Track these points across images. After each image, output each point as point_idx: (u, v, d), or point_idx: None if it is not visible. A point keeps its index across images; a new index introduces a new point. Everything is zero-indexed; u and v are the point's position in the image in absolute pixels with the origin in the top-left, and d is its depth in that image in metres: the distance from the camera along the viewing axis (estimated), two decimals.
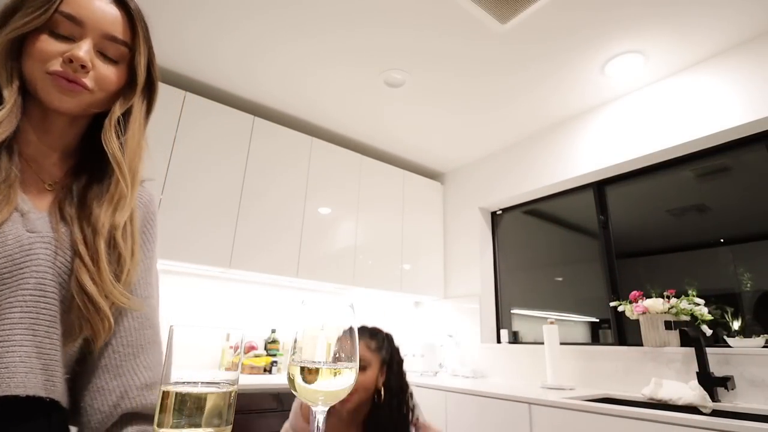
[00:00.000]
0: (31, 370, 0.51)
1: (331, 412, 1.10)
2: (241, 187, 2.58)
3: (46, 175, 0.62)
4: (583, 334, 2.70)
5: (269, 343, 2.69)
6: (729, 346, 1.88)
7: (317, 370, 0.55)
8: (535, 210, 3.17)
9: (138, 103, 0.65)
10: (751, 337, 1.84)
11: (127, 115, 0.63)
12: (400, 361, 1.20)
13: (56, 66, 0.55)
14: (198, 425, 0.47)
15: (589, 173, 2.66)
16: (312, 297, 3.05)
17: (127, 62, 0.63)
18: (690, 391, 1.76)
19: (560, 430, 1.75)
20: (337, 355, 0.56)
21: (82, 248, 0.57)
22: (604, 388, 2.24)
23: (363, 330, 1.17)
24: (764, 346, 1.80)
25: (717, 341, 2.00)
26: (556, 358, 2.34)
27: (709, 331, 1.93)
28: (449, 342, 3.16)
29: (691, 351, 1.90)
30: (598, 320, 2.62)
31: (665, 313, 2.05)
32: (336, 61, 2.37)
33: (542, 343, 2.44)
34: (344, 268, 2.92)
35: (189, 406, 0.47)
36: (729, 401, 1.78)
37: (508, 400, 1.97)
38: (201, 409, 0.48)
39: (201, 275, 2.63)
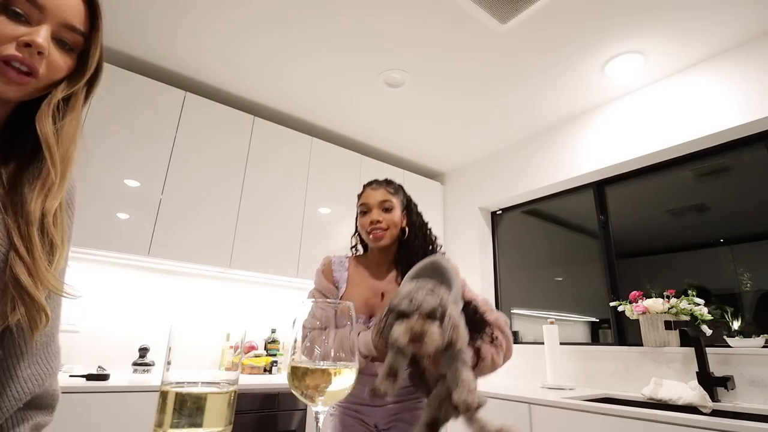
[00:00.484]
0: None
1: (368, 261, 1.26)
2: (241, 186, 2.58)
3: None
4: (583, 334, 2.70)
5: (269, 343, 2.69)
6: (729, 346, 1.88)
7: (317, 370, 0.55)
8: (535, 210, 3.17)
9: (80, 91, 0.64)
10: (750, 337, 1.84)
11: (65, 100, 0.62)
12: (415, 204, 1.32)
13: (10, 50, 0.53)
14: (198, 425, 0.47)
15: (589, 173, 2.66)
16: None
17: (78, 52, 0.62)
18: (690, 391, 1.76)
19: (560, 430, 1.75)
20: (338, 355, 0.56)
21: (16, 239, 0.56)
22: (604, 388, 2.24)
23: (378, 181, 1.29)
24: (764, 346, 1.80)
25: (717, 341, 2.00)
26: (556, 358, 2.34)
27: (709, 331, 1.93)
28: None
29: (691, 351, 1.90)
30: (598, 320, 2.62)
31: (665, 313, 2.05)
32: (336, 62, 2.36)
33: (542, 343, 2.44)
34: None
35: (189, 406, 0.47)
36: (729, 401, 1.78)
37: (508, 399, 1.97)
38: (201, 409, 0.48)
39: (201, 275, 2.63)
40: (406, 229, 1.25)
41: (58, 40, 0.58)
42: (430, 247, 1.25)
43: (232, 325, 0.52)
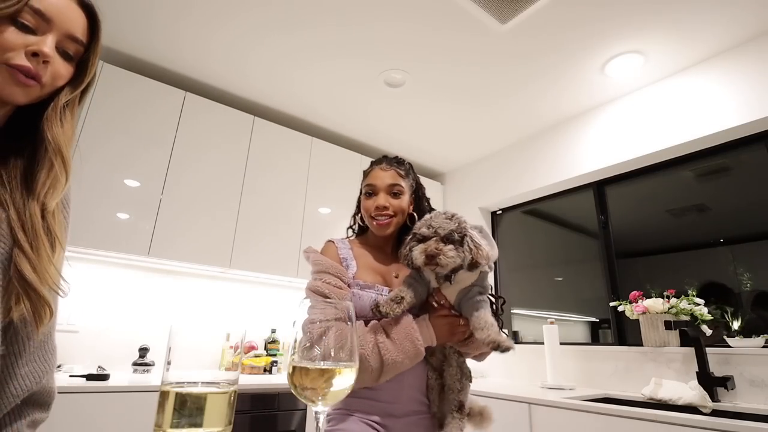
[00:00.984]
0: None
1: (369, 243, 1.16)
2: (241, 186, 2.58)
3: None
4: (583, 334, 2.70)
5: (269, 343, 2.69)
6: (729, 346, 1.88)
7: (317, 370, 0.55)
8: (535, 210, 3.17)
9: (77, 96, 0.69)
10: (750, 336, 1.84)
11: (69, 105, 0.67)
12: (423, 187, 1.24)
13: (18, 59, 0.57)
14: (198, 425, 0.47)
15: (589, 173, 2.66)
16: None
17: (77, 60, 0.66)
18: (690, 391, 1.76)
19: (560, 430, 1.75)
20: (338, 355, 0.56)
21: (20, 235, 0.58)
22: (604, 388, 2.24)
23: (388, 159, 1.17)
24: (764, 346, 1.80)
25: (717, 341, 2.00)
26: (556, 358, 2.34)
27: (709, 331, 1.93)
28: None
29: (691, 351, 1.90)
30: (598, 320, 2.62)
31: (665, 313, 2.05)
32: (336, 62, 2.36)
33: (542, 343, 2.44)
34: None
35: (189, 406, 0.47)
36: (729, 401, 1.78)
37: (508, 400, 1.97)
38: (201, 409, 0.48)
39: (201, 275, 2.63)
40: (415, 215, 1.14)
41: (60, 50, 0.62)
42: None
43: (232, 325, 0.52)
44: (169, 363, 0.49)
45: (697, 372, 1.83)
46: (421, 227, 0.92)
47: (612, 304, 2.34)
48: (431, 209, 1.18)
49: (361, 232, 1.23)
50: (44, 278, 0.58)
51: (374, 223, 1.11)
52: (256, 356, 2.53)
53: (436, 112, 2.82)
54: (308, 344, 0.56)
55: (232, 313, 2.72)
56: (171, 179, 2.33)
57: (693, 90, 2.24)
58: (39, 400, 0.64)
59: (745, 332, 1.89)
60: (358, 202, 1.20)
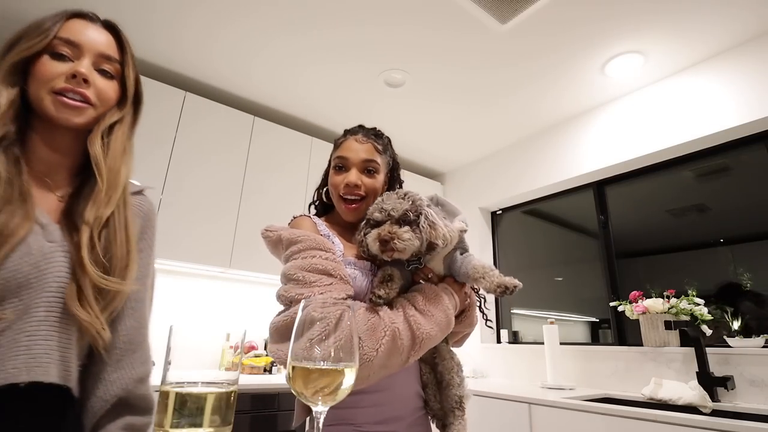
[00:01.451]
0: (53, 361, 0.59)
1: (338, 223, 1.01)
2: (241, 186, 2.58)
3: (57, 188, 0.70)
4: (583, 334, 2.70)
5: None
6: (729, 346, 1.88)
7: (317, 370, 0.54)
8: (535, 210, 3.17)
9: (128, 114, 0.75)
10: (750, 336, 1.85)
11: (115, 123, 0.72)
12: (399, 165, 1.11)
13: (61, 83, 0.63)
14: (198, 425, 0.47)
15: (589, 173, 2.66)
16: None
17: (119, 78, 0.72)
18: (690, 391, 1.76)
19: (560, 430, 1.75)
20: (338, 355, 0.56)
21: (86, 253, 0.63)
22: (604, 388, 2.24)
23: (365, 130, 1.02)
24: (764, 346, 1.80)
25: (717, 341, 2.00)
26: (556, 358, 2.34)
27: (709, 331, 1.93)
28: None
29: (691, 351, 1.90)
30: (598, 320, 2.62)
31: (665, 313, 2.05)
32: (336, 62, 2.36)
33: (542, 343, 2.44)
34: None
35: (189, 406, 0.48)
36: (729, 401, 1.78)
37: (508, 400, 1.97)
38: (201, 409, 0.48)
39: (201, 275, 2.63)
40: None
41: (99, 71, 0.69)
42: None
43: (232, 325, 0.52)
44: (169, 363, 0.49)
45: (697, 372, 1.83)
46: (373, 212, 0.83)
47: (612, 304, 2.34)
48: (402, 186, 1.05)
49: (324, 210, 1.09)
50: (92, 307, 0.63)
51: (342, 206, 0.97)
52: (256, 356, 2.54)
53: (436, 112, 2.82)
54: (308, 344, 0.55)
55: (232, 313, 2.72)
56: (171, 179, 2.32)
57: (693, 90, 2.24)
58: (134, 405, 0.68)
59: (746, 332, 1.89)
60: (325, 175, 1.06)
